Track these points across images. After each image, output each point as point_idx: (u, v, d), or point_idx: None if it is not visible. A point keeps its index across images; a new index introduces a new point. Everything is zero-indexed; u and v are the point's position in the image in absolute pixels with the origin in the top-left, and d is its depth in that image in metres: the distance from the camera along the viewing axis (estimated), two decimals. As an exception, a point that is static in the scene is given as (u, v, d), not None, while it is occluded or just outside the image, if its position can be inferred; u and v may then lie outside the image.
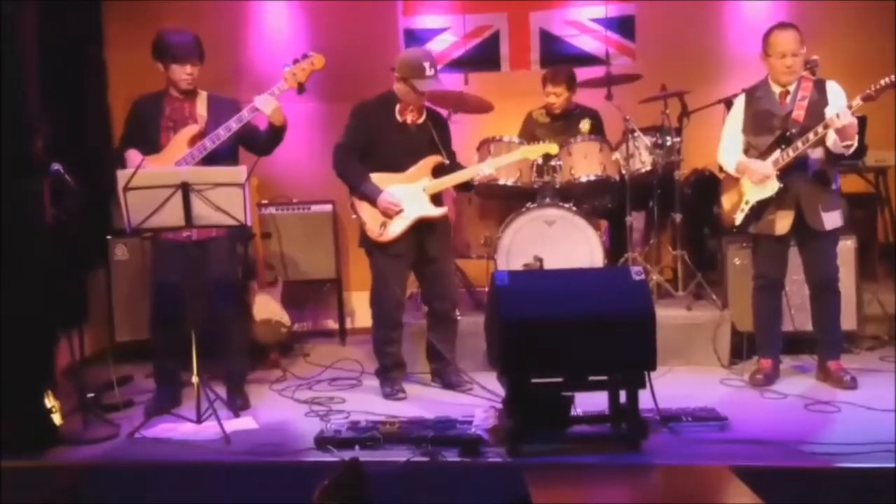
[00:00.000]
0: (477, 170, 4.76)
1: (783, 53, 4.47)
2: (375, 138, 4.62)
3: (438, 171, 4.69)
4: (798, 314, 4.90)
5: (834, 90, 4.48)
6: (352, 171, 4.63)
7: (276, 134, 4.44)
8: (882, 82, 4.17)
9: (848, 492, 3.44)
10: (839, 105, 4.38)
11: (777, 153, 4.44)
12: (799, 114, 4.44)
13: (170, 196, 3.96)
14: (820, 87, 4.51)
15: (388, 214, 4.58)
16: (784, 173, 4.44)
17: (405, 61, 4.61)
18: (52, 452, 3.96)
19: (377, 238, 4.61)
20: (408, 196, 4.61)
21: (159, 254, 4.50)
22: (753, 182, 4.49)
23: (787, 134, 4.42)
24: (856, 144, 4.39)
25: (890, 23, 5.85)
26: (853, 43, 5.93)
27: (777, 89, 4.55)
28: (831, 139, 4.35)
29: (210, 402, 4.13)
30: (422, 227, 4.65)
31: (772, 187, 4.46)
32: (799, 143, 4.36)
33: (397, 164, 4.64)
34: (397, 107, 4.64)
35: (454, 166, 4.76)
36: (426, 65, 4.53)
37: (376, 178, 4.62)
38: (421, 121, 4.69)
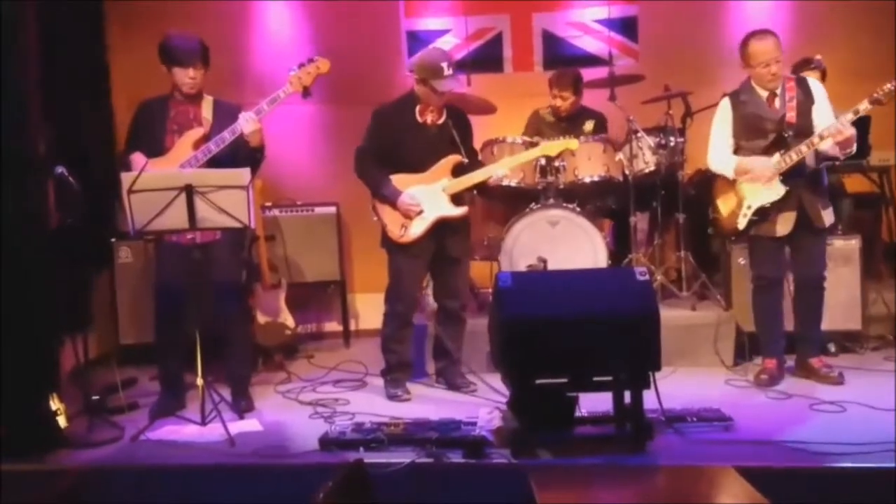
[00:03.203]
0: (492, 170, 4.74)
1: (767, 62, 4.48)
2: (397, 140, 4.64)
3: (459, 171, 4.69)
4: (801, 314, 4.89)
5: (817, 88, 4.53)
6: (372, 174, 4.65)
7: (251, 154, 4.37)
8: (888, 87, 4.18)
9: (853, 492, 3.43)
10: (825, 103, 4.47)
11: (777, 156, 4.44)
12: (791, 115, 4.46)
13: (173, 199, 3.97)
14: (803, 85, 4.54)
15: (408, 216, 4.59)
16: (786, 175, 4.44)
17: (423, 63, 4.62)
18: (57, 455, 3.96)
19: (398, 239, 4.62)
20: (427, 197, 4.61)
21: (163, 256, 4.51)
22: (762, 183, 4.48)
23: (785, 136, 4.42)
24: (854, 150, 4.41)
25: (891, 23, 5.84)
26: (855, 43, 5.92)
27: (764, 93, 4.56)
28: (828, 142, 4.37)
29: (214, 404, 4.13)
30: (442, 227, 4.66)
31: (777, 191, 4.46)
32: (803, 147, 4.38)
33: (419, 165, 4.65)
34: (417, 108, 4.65)
35: (475, 165, 4.76)
36: (444, 65, 4.54)
37: (396, 179, 4.62)
38: (441, 121, 4.69)
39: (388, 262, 4.73)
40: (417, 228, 4.61)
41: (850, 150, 4.39)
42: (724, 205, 4.69)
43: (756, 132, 4.54)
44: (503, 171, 4.78)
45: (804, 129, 4.43)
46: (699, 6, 6.31)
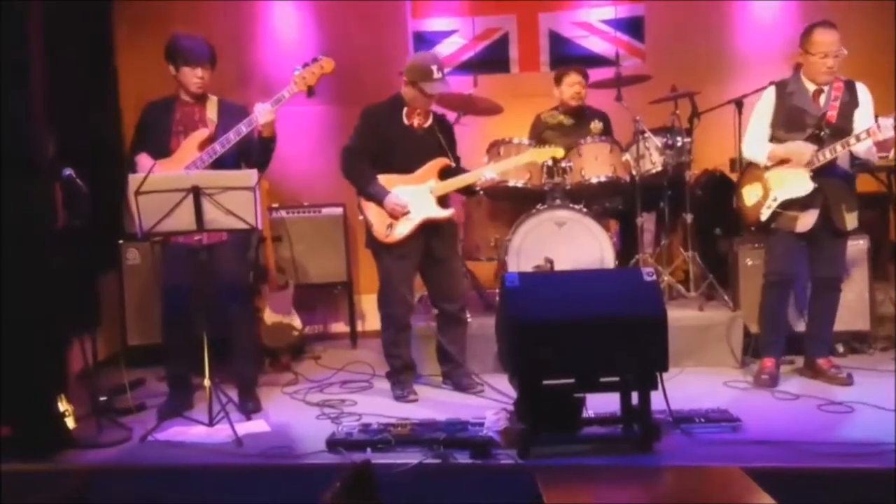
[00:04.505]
0: (481, 173, 4.75)
1: (826, 53, 4.45)
2: (383, 141, 4.65)
3: (445, 174, 4.70)
4: (811, 315, 4.89)
5: (863, 93, 4.52)
6: (359, 173, 4.66)
7: (264, 146, 4.42)
8: None
9: (861, 493, 3.42)
10: (869, 109, 4.45)
11: (814, 150, 4.43)
12: (832, 115, 4.46)
13: (181, 200, 3.97)
14: (850, 88, 4.52)
15: (395, 216, 4.59)
16: (816, 173, 4.44)
17: (413, 65, 4.65)
18: (66, 456, 3.97)
19: (383, 239, 4.63)
20: (414, 197, 4.62)
21: (170, 258, 4.51)
22: (799, 163, 4.43)
23: (821, 134, 4.42)
24: (891, 156, 4.41)
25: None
26: (862, 44, 5.87)
27: (811, 87, 4.54)
28: (865, 146, 4.36)
29: (222, 405, 4.14)
30: (428, 229, 4.66)
31: (806, 186, 4.45)
32: (838, 146, 4.37)
33: (405, 167, 4.66)
34: (405, 110, 4.66)
35: (459, 171, 4.77)
36: (434, 68, 4.56)
37: (384, 179, 4.64)
38: (427, 124, 4.71)
39: (377, 267, 4.74)
40: (403, 229, 4.61)
41: (887, 155, 4.39)
42: (749, 195, 4.67)
43: (795, 125, 4.52)
44: (492, 174, 4.76)
45: (843, 130, 4.41)
46: (706, 6, 6.30)
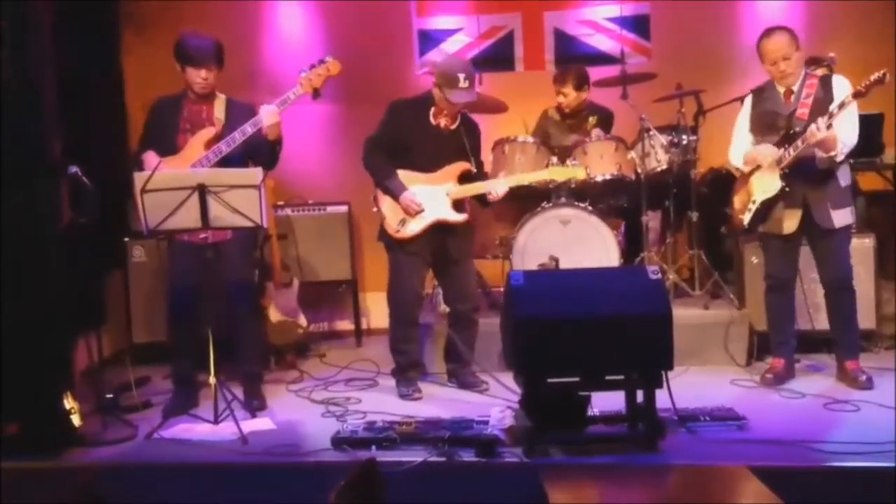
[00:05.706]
0: (497, 184, 4.72)
1: (774, 60, 4.47)
2: (407, 137, 4.65)
3: (465, 178, 4.69)
4: (817, 314, 4.88)
5: (840, 85, 4.46)
6: (379, 165, 4.65)
7: (270, 147, 4.40)
8: (871, 78, 4.16)
9: (867, 492, 3.42)
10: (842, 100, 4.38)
11: (781, 151, 4.43)
12: (803, 112, 4.42)
13: (186, 198, 3.98)
14: (826, 83, 4.50)
15: (409, 212, 4.59)
16: (789, 172, 4.43)
17: (442, 70, 4.63)
18: (71, 453, 3.98)
19: (394, 234, 4.63)
20: (430, 198, 4.62)
21: (175, 256, 4.53)
22: (766, 165, 4.46)
23: (792, 132, 4.41)
24: (841, 155, 4.33)
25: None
26: (868, 42, 5.88)
27: (782, 89, 4.54)
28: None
29: (227, 402, 4.15)
30: (443, 229, 4.66)
31: (776, 186, 4.45)
32: (799, 143, 4.36)
33: (425, 166, 4.65)
34: (432, 109, 4.65)
35: (480, 176, 4.77)
36: (461, 76, 4.52)
37: (403, 175, 4.63)
38: (454, 126, 4.69)
39: (388, 261, 4.75)
40: (415, 226, 4.61)
41: (834, 154, 4.30)
42: (738, 200, 4.71)
43: (769, 128, 4.52)
44: (503, 189, 4.70)
45: None
46: (712, 4, 6.29)
